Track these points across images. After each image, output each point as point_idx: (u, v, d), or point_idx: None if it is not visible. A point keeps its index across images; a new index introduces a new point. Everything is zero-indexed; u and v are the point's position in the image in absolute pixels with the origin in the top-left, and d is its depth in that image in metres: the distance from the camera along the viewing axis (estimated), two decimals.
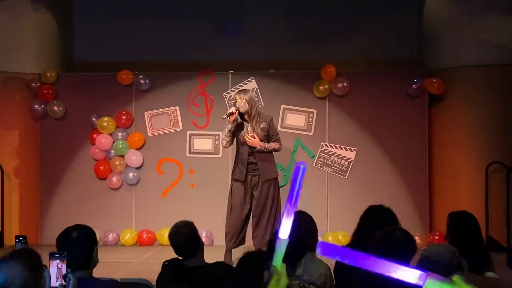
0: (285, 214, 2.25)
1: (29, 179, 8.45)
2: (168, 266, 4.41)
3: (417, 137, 8.28)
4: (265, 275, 2.71)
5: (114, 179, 8.41)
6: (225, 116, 6.92)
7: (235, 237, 6.98)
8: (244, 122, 6.90)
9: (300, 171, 2.24)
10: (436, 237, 7.70)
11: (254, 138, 6.84)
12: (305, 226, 4.27)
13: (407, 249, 3.69)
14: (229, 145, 7.11)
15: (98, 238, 8.17)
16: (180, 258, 4.40)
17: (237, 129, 6.92)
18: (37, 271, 2.97)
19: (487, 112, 7.90)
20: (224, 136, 7.00)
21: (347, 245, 4.62)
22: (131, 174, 8.39)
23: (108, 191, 8.47)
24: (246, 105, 6.80)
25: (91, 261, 3.70)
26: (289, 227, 2.29)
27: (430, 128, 8.31)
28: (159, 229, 8.30)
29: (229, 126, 6.87)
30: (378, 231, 3.81)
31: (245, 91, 7.03)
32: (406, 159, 8.27)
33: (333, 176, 8.32)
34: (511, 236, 7.57)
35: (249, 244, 7.39)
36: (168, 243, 8.43)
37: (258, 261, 2.95)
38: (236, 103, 6.84)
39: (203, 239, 8.03)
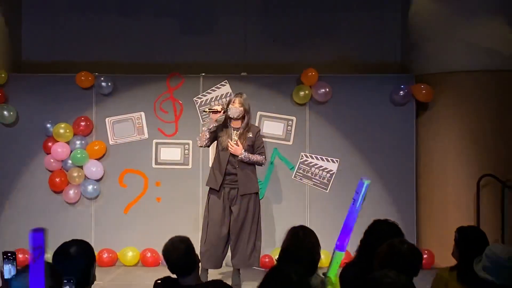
0: (344, 228, 2.59)
1: None
2: (161, 285, 4.59)
3: (404, 147, 8.61)
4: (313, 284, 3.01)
5: (71, 192, 8.50)
6: (208, 110, 7.19)
7: (213, 256, 7.11)
8: (231, 127, 7.17)
9: (364, 187, 2.60)
10: (425, 255, 8.07)
11: (238, 145, 7.12)
12: (312, 242, 4.57)
13: (414, 262, 4.07)
14: (205, 145, 7.29)
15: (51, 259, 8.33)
16: (174, 276, 4.57)
17: (221, 132, 7.18)
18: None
19: (479, 120, 8.30)
20: (201, 134, 7.24)
21: (351, 262, 4.94)
22: (90, 187, 8.50)
23: (64, 206, 8.56)
24: (241, 108, 7.08)
25: (90, 278, 3.93)
26: (347, 241, 2.66)
27: (417, 137, 8.66)
28: (121, 248, 8.45)
29: (210, 125, 7.13)
30: (384, 243, 4.17)
31: (244, 96, 7.19)
32: (392, 171, 8.59)
33: (314, 190, 8.59)
34: None
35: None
36: (132, 264, 8.66)
37: (287, 276, 3.22)
38: (229, 105, 7.10)
39: None
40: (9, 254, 4.53)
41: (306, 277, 3.54)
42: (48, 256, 8.22)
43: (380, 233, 4.60)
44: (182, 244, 4.60)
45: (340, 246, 3.23)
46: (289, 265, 3.94)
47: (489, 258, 3.94)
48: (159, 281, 4.61)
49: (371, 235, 4.69)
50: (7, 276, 4.48)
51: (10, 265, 4.49)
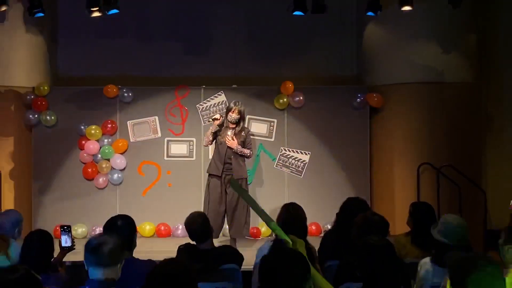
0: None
1: (23, 181, 8.50)
2: (183, 249, 4.64)
3: (360, 142, 8.70)
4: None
5: (100, 180, 8.54)
6: (211, 120, 7.27)
7: (213, 228, 7.19)
8: (227, 128, 7.24)
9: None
10: None
11: (234, 140, 7.19)
12: (300, 213, 4.63)
13: (383, 229, 4.19)
14: (209, 145, 7.40)
15: (85, 232, 8.38)
16: (193, 242, 4.66)
17: (220, 131, 7.26)
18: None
19: (417, 121, 8.42)
20: (206, 136, 7.33)
21: (330, 231, 5.03)
22: (115, 175, 8.54)
23: (95, 191, 8.58)
24: (238, 116, 7.14)
25: (132, 244, 4.01)
26: None
27: (370, 135, 8.75)
28: (140, 224, 8.43)
29: (213, 129, 7.21)
30: (359, 215, 4.27)
31: (240, 105, 7.23)
32: (351, 161, 8.69)
33: (291, 176, 8.67)
34: None
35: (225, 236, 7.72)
36: (149, 235, 8.68)
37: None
38: (229, 112, 7.15)
39: (179, 232, 8.37)
40: (65, 227, 4.58)
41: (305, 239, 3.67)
42: (79, 232, 8.22)
43: (353, 207, 4.69)
44: (200, 218, 4.69)
45: None
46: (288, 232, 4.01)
47: (443, 224, 4.07)
48: (182, 247, 4.67)
49: (346, 209, 4.79)
50: (64, 244, 4.54)
51: (66, 236, 4.55)
